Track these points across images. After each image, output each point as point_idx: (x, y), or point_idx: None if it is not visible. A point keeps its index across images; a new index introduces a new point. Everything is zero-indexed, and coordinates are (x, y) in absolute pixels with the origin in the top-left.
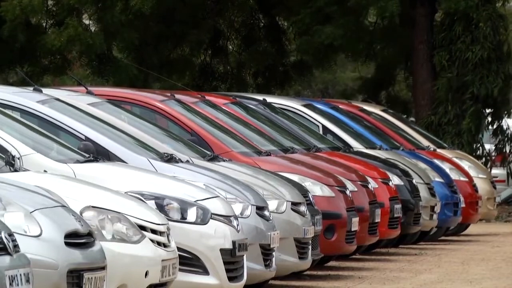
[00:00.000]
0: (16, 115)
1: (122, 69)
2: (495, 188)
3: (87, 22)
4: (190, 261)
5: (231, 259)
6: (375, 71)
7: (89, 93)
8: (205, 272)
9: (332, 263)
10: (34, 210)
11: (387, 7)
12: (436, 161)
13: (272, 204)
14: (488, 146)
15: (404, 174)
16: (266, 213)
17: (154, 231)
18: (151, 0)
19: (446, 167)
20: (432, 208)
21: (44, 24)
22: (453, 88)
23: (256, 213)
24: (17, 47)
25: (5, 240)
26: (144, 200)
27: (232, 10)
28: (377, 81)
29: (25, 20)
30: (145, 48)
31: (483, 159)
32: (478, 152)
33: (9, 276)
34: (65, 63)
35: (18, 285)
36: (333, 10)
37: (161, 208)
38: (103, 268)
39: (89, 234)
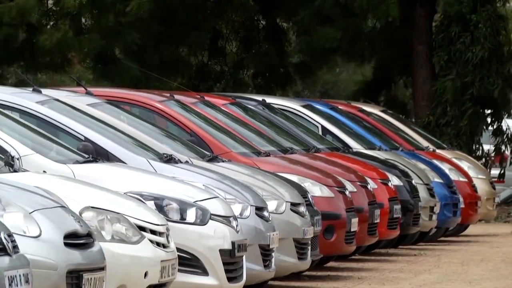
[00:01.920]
0: (15, 115)
1: (126, 71)
2: (494, 188)
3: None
4: (189, 261)
5: (231, 260)
6: (374, 72)
7: (88, 93)
8: (205, 272)
9: (331, 264)
10: (34, 211)
11: (388, 10)
12: (436, 162)
13: (271, 205)
14: (488, 147)
15: (404, 175)
16: (266, 213)
17: (153, 232)
18: (148, 4)
19: (445, 167)
20: (432, 208)
21: (45, 23)
22: (452, 89)
23: (256, 213)
24: (16, 47)
25: (4, 241)
26: (144, 201)
27: (233, 11)
28: (376, 82)
29: (22, 21)
30: (145, 49)
31: (483, 159)
32: (478, 153)
33: (8, 277)
34: (64, 61)
35: (17, 285)
36: (333, 12)
37: (160, 208)
38: (103, 268)
39: (89, 235)
